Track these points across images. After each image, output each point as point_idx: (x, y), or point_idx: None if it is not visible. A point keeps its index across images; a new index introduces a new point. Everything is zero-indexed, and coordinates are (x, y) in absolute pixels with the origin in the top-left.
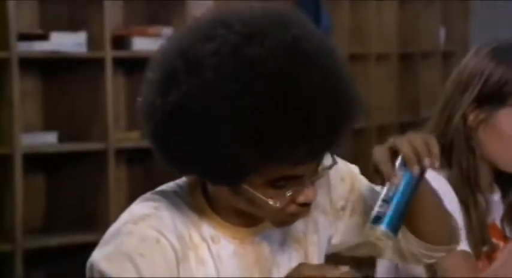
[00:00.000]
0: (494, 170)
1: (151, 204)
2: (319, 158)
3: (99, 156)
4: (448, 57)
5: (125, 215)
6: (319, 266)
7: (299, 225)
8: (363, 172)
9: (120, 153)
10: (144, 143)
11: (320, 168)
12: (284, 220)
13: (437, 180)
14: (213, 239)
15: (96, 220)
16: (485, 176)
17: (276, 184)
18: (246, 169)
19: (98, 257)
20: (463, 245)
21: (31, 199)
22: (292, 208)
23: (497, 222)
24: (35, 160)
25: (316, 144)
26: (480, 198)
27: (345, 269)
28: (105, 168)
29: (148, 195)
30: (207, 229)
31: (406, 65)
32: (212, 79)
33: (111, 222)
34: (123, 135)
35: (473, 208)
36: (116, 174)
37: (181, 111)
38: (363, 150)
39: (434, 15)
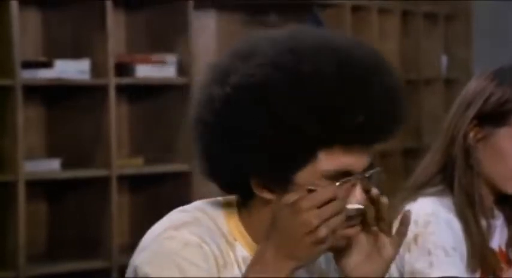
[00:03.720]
0: (495, 193)
1: (191, 214)
2: (370, 145)
3: (102, 183)
4: (450, 84)
5: (164, 223)
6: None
7: (322, 263)
8: None
9: (122, 179)
10: (147, 169)
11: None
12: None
13: (439, 208)
14: (244, 262)
15: (99, 247)
16: (486, 197)
17: (328, 180)
18: (306, 146)
19: (141, 261)
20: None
21: (34, 226)
22: None
23: (503, 247)
24: (38, 187)
25: (373, 116)
26: (481, 218)
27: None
28: (107, 195)
29: (187, 206)
30: (240, 250)
31: (409, 91)
32: (269, 56)
33: (113, 249)
34: (125, 162)
35: (475, 229)
36: (118, 201)
37: (242, 91)
38: None
39: (436, 43)
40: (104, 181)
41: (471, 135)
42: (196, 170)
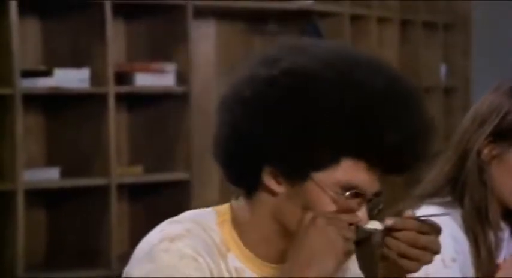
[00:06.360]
0: (503, 207)
1: (183, 226)
2: (389, 172)
3: (101, 191)
4: (449, 93)
5: (157, 234)
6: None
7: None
8: None
9: (122, 188)
10: (146, 178)
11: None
12: None
13: (448, 225)
14: (237, 272)
15: (98, 256)
16: (495, 212)
17: (340, 189)
18: (336, 149)
19: (137, 274)
20: None
21: (33, 235)
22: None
23: None
24: (37, 196)
25: (407, 142)
26: (490, 233)
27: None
28: (107, 203)
29: (177, 218)
30: (233, 261)
31: None
32: (322, 56)
33: (112, 258)
34: (125, 170)
35: (483, 244)
36: (117, 209)
37: (290, 76)
38: None
39: (435, 52)
40: (104, 190)
41: (485, 151)
42: (195, 178)
